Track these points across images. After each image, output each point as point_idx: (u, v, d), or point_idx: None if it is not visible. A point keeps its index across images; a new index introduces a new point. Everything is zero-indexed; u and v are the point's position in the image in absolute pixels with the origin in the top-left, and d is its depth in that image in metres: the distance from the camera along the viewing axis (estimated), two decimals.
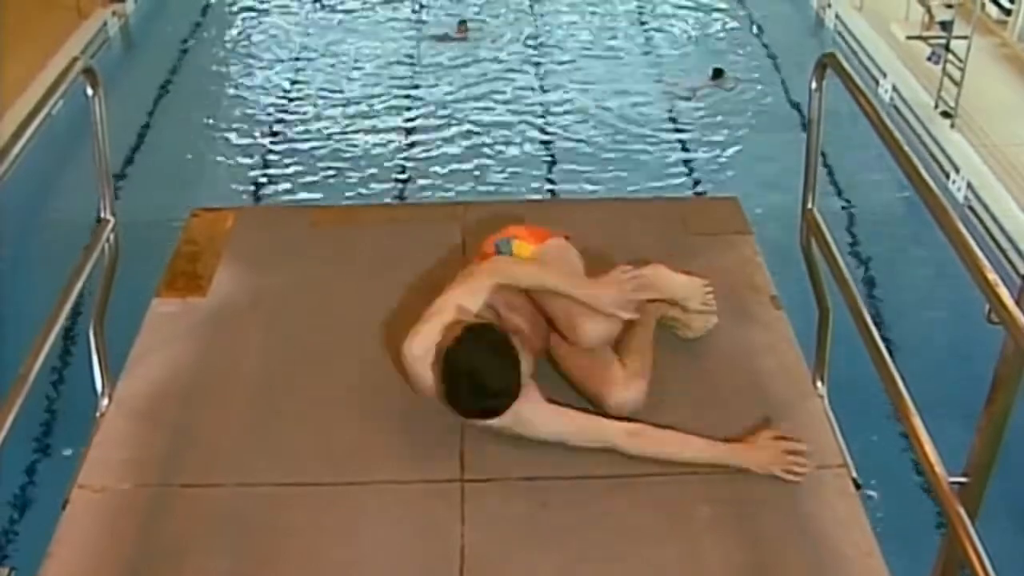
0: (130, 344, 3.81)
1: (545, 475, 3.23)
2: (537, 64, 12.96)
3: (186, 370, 3.66)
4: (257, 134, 11.35)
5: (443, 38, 13.72)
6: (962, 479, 2.55)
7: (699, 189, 10.17)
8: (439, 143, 10.90)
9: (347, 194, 9.95)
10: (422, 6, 14.78)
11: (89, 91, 3.38)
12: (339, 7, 14.76)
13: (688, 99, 11.80)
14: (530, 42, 13.59)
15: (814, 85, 3.46)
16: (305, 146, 11.06)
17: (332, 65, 13.07)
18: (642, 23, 14.00)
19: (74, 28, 12.75)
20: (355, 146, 11.03)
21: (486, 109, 11.60)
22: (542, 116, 11.52)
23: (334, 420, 3.45)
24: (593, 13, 14.17)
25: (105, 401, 3.54)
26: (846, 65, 3.33)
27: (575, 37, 13.76)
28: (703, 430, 3.34)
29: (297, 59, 13.29)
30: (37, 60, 11.47)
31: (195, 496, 3.19)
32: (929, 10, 12.11)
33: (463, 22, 13.93)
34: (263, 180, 10.39)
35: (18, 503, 6.19)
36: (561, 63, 12.99)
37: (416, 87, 12.40)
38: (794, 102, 11.64)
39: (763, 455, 3.22)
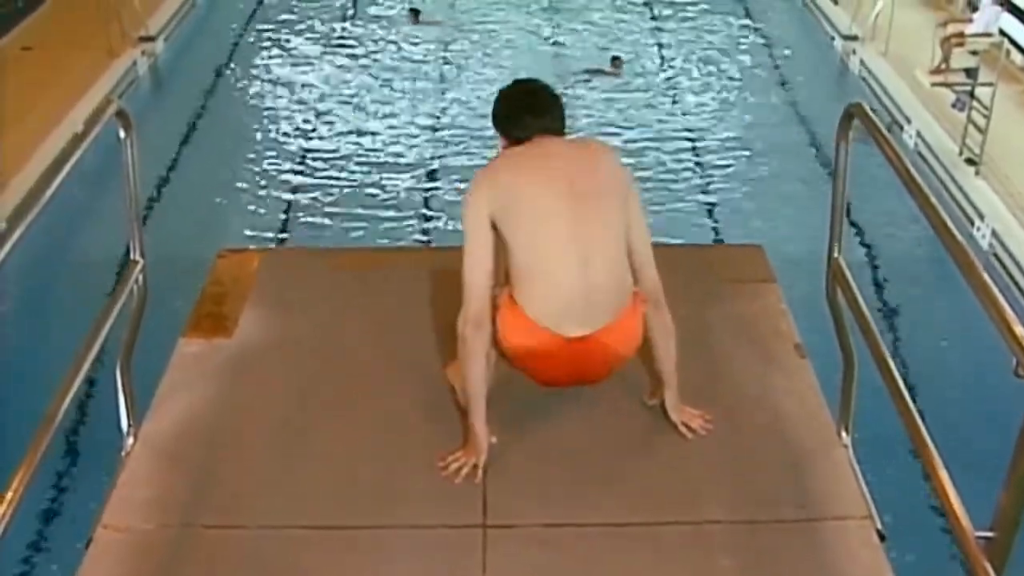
0: (154, 383, 3.83)
1: (567, 522, 3.22)
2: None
3: (211, 411, 3.68)
4: (284, 173, 11.43)
5: (596, 72, 13.79)
6: (989, 534, 2.53)
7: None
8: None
9: (376, 236, 10.00)
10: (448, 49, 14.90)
11: (121, 133, 3.41)
12: (365, 54, 14.88)
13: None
14: None
15: (840, 135, 3.46)
16: (331, 185, 11.13)
17: (357, 106, 13.17)
18: (672, 89, 13.94)
19: (105, 67, 12.90)
20: (379, 187, 11.10)
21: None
22: None
23: (357, 462, 3.45)
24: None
25: (130, 440, 3.55)
26: (872, 115, 3.33)
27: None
28: (727, 476, 3.34)
29: (324, 98, 13.40)
30: (69, 98, 11.62)
31: (218, 537, 3.20)
32: (946, 56, 12.14)
33: (616, 58, 13.96)
34: (289, 219, 10.46)
35: (40, 539, 6.20)
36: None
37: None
38: (819, 148, 11.66)
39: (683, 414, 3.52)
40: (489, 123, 3.61)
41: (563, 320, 3.31)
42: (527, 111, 3.48)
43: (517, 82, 3.63)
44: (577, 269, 3.27)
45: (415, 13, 15.72)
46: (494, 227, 3.32)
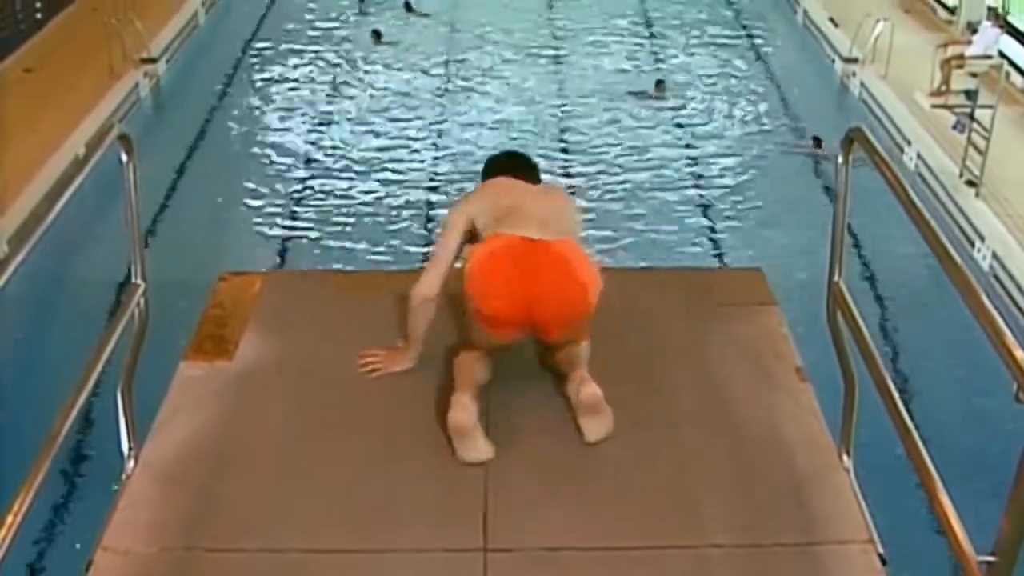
0: (155, 405, 3.82)
1: (568, 546, 3.21)
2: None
3: (212, 433, 3.67)
4: (285, 194, 11.44)
5: (640, 95, 13.86)
6: (990, 558, 2.51)
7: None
8: None
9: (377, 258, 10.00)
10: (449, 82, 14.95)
11: (123, 157, 3.41)
12: (367, 75, 14.93)
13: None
14: None
15: (840, 159, 3.46)
16: (332, 206, 11.15)
17: (359, 126, 13.21)
18: (673, 109, 13.96)
19: (107, 88, 12.95)
20: (381, 208, 11.12)
21: None
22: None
23: (358, 485, 3.45)
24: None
25: (131, 463, 3.54)
26: (873, 139, 3.33)
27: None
28: (728, 500, 3.34)
29: (325, 119, 13.43)
30: (71, 119, 11.66)
31: (219, 561, 3.19)
32: (946, 78, 12.18)
33: (660, 82, 14.02)
34: (290, 240, 10.47)
35: (40, 562, 6.19)
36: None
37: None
38: (819, 170, 11.69)
39: None
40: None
41: (525, 228, 3.70)
42: (513, 166, 4.12)
43: (503, 151, 4.38)
44: (542, 210, 3.78)
45: (377, 35, 16.00)
46: (471, 230, 3.82)
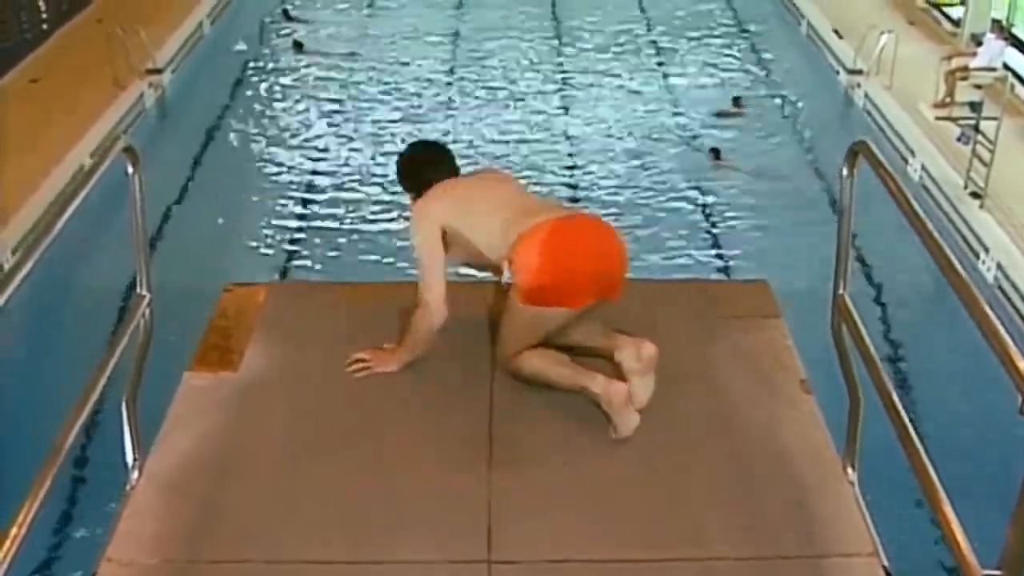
0: (159, 416, 3.82)
1: (573, 557, 3.21)
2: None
3: (216, 444, 3.67)
4: (290, 205, 11.46)
5: (721, 114, 13.89)
6: (996, 572, 2.51)
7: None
8: None
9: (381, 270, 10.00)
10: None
11: (129, 169, 3.43)
12: (372, 85, 14.98)
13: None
14: None
15: (845, 172, 3.46)
16: (337, 217, 11.16)
17: (364, 138, 13.23)
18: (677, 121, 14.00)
19: (112, 99, 12.97)
20: (386, 219, 11.12)
21: None
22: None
23: (362, 496, 3.45)
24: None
25: (136, 474, 3.54)
26: (877, 152, 3.33)
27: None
28: (732, 513, 3.33)
29: (331, 130, 13.45)
30: (76, 129, 11.69)
31: (222, 572, 3.19)
32: (950, 90, 12.19)
33: (737, 98, 14.03)
34: (295, 251, 10.48)
35: (42, 572, 6.18)
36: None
37: None
38: (824, 180, 11.69)
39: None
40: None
41: (548, 213, 3.85)
42: (442, 161, 4.12)
43: (417, 143, 4.47)
44: (530, 196, 4.06)
45: (299, 46, 16.01)
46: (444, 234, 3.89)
